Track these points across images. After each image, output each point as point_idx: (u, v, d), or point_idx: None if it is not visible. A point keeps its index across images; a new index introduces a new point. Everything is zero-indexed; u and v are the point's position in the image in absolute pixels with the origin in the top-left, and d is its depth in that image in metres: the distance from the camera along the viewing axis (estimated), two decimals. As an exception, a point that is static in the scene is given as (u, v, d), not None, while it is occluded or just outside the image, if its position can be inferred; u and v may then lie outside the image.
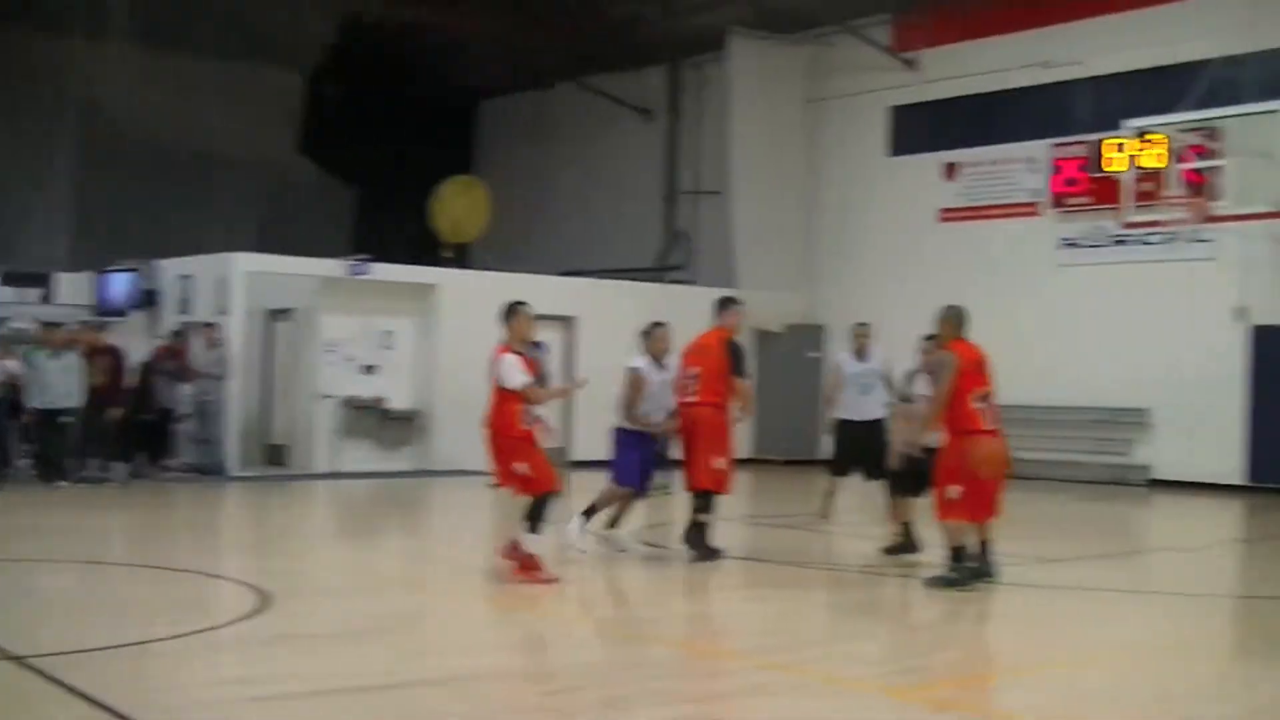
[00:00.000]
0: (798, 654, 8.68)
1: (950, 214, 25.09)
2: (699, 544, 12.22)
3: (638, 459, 12.53)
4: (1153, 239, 21.77)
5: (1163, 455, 21.99)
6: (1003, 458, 11.00)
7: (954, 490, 10.82)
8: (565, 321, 23.29)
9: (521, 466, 10.79)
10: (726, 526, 13.06)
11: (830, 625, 10.32)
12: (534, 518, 10.81)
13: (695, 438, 12.27)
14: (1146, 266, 22.22)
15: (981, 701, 7.69)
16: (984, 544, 11.13)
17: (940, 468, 11.00)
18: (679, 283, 26.97)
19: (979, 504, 10.90)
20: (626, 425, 12.53)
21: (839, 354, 14.37)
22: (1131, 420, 22.23)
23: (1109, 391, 22.29)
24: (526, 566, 10.80)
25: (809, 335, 26.17)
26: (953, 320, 11.18)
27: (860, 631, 9.92)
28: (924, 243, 25.21)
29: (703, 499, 12.30)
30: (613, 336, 22.14)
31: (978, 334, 11.28)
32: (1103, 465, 22.41)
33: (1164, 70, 21.37)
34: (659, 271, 28.41)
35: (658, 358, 12.50)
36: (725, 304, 12.91)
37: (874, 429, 14.08)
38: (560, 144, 31.59)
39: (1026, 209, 23.98)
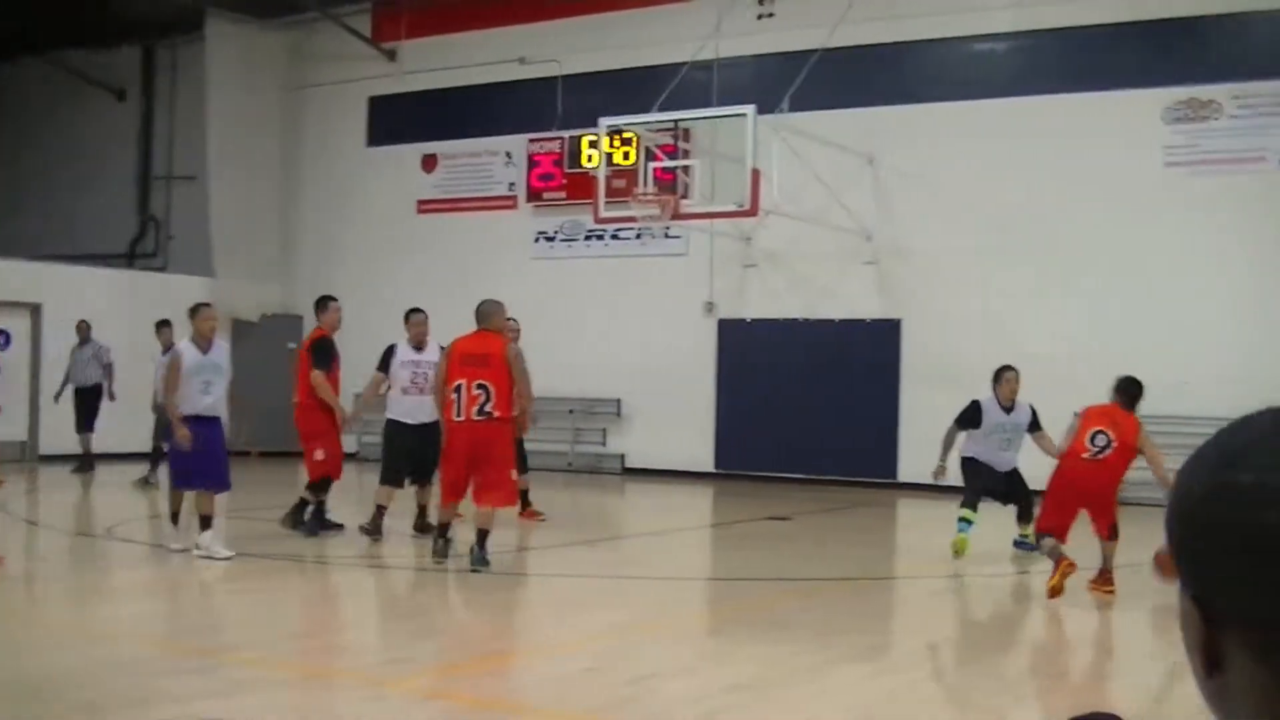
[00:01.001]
0: (282, 648, 8.37)
1: (428, 205, 25.10)
2: (306, 522, 13.09)
3: (184, 454, 11.53)
4: (626, 235, 22.45)
5: (638, 444, 22.72)
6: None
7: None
8: (31, 309, 21.89)
9: None
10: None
11: (315, 617, 10.00)
12: None
13: (300, 436, 13.31)
14: (621, 261, 22.92)
15: (467, 689, 7.57)
16: (480, 533, 11.20)
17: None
18: (152, 270, 25.83)
19: (447, 488, 11.40)
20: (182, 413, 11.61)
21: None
22: (608, 410, 22.86)
23: (586, 382, 22.82)
24: None
25: (288, 325, 25.56)
26: (482, 312, 11.66)
27: (346, 623, 9.67)
28: (403, 233, 25.11)
29: (314, 487, 13.18)
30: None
31: (457, 326, 11.39)
32: (580, 454, 22.94)
33: (637, 71, 22.08)
34: (131, 258, 27.10)
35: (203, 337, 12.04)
36: (319, 303, 13.53)
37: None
38: (26, 122, 29.57)
39: (504, 202, 24.26)
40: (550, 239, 23.81)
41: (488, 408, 11.14)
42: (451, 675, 7.88)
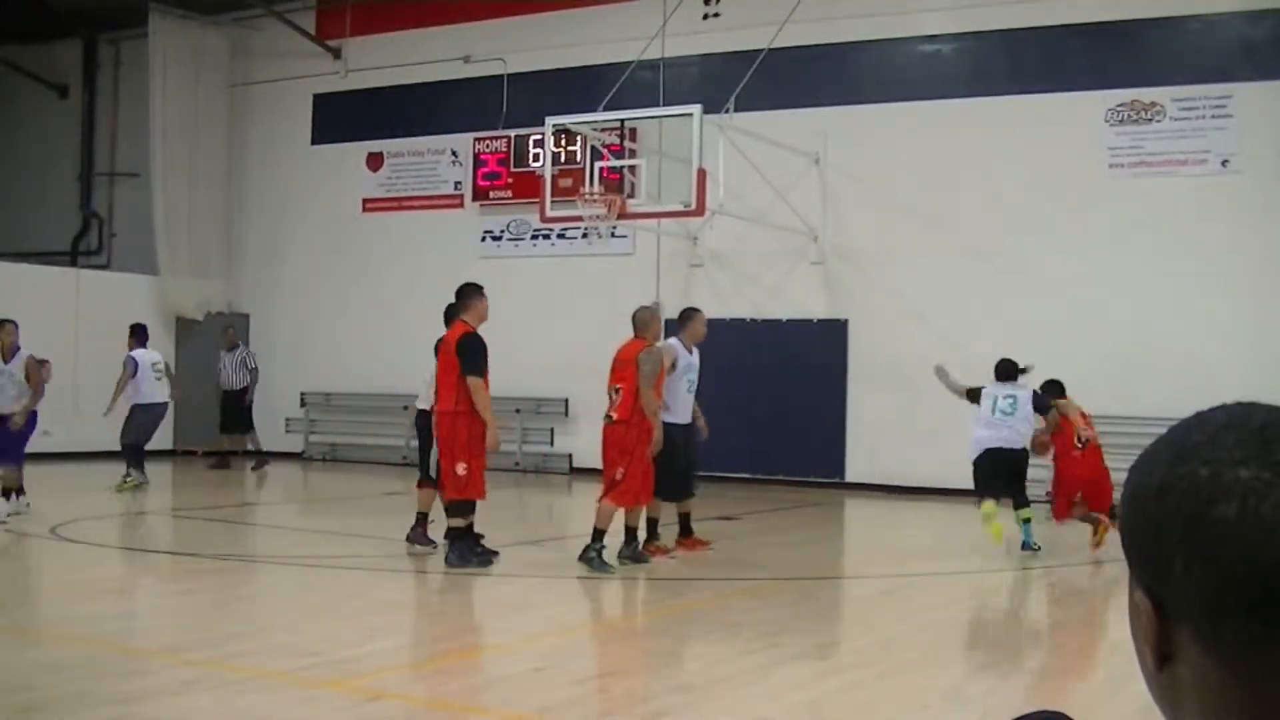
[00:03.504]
0: (226, 648, 8.26)
1: (374, 204, 24.98)
2: (460, 551, 11.65)
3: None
4: (572, 234, 22.40)
5: (585, 444, 22.61)
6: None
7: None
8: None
9: None
10: (155, 520, 12.36)
11: (260, 618, 9.91)
12: None
13: (439, 445, 11.84)
14: (567, 260, 22.88)
15: (413, 689, 7.54)
16: (595, 531, 11.72)
17: None
18: (95, 268, 25.62)
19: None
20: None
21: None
22: (554, 410, 22.80)
23: (534, 382, 22.74)
24: None
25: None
26: (633, 321, 12.86)
27: (290, 623, 9.57)
28: (348, 232, 24.99)
29: (455, 506, 11.77)
30: (22, 324, 20.69)
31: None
32: (528, 454, 22.89)
33: (583, 70, 22.07)
34: (74, 256, 26.84)
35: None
36: (467, 291, 12.38)
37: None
38: (-37, 118, 29.22)
39: (450, 201, 24.18)
40: (497, 238, 23.74)
41: (610, 410, 11.95)
42: (399, 675, 7.84)
